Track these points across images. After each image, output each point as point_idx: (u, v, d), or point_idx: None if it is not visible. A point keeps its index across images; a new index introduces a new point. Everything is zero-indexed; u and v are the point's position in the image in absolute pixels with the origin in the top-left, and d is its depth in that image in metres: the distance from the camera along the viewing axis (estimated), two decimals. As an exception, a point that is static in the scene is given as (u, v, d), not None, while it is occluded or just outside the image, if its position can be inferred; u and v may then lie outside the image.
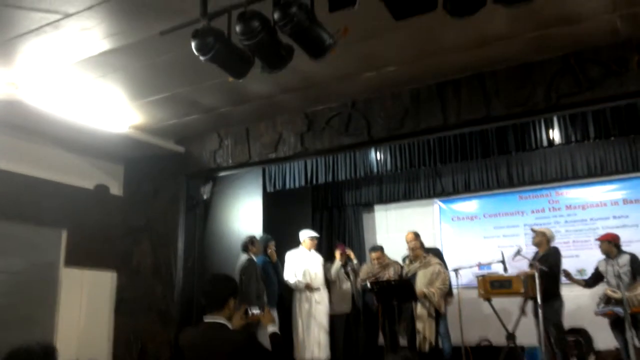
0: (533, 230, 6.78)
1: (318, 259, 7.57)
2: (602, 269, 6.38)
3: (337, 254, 7.73)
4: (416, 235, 7.10)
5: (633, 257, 6.20)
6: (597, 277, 6.42)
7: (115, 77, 5.18)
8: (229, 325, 3.14)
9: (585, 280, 6.59)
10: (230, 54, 3.68)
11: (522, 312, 6.36)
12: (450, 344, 6.99)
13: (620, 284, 5.98)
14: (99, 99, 5.67)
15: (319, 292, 7.34)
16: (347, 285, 7.59)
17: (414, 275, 6.69)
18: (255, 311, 3.59)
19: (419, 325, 6.51)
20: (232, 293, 3.21)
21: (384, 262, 7.35)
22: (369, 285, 6.95)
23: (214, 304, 3.14)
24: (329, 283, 7.59)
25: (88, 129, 6.11)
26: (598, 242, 6.46)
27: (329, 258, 7.95)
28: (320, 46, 3.51)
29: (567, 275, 6.43)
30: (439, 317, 6.62)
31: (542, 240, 6.59)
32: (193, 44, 3.55)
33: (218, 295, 3.16)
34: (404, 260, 7.29)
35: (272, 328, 3.39)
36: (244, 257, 6.80)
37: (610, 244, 6.31)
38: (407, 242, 7.02)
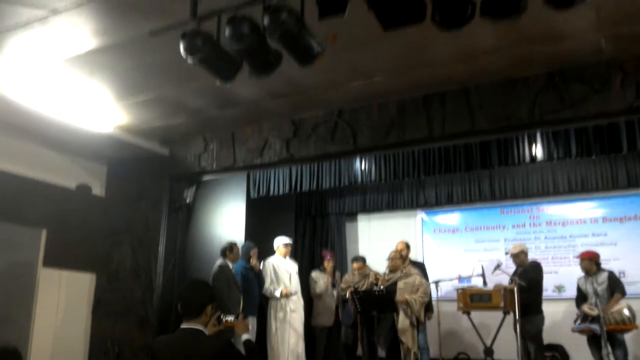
0: (509, 254, 6.80)
1: (293, 266, 7.54)
2: (582, 286, 6.44)
3: (326, 262, 7.73)
4: (407, 246, 7.17)
5: (611, 274, 6.28)
6: (583, 296, 6.45)
7: (102, 76, 5.15)
8: (206, 332, 3.12)
9: (576, 301, 6.56)
10: (218, 57, 3.68)
11: (500, 326, 6.40)
12: (429, 357, 7.01)
13: (598, 301, 6.05)
14: (85, 98, 5.63)
15: (294, 300, 7.30)
16: (332, 298, 7.59)
17: (394, 284, 6.69)
18: (229, 318, 3.57)
19: (403, 337, 6.51)
20: (209, 300, 3.17)
21: (365, 272, 7.36)
22: (347, 294, 6.95)
23: (191, 310, 3.10)
24: (311, 293, 7.58)
25: (72, 127, 6.06)
26: (578, 259, 6.52)
27: (310, 266, 7.94)
28: (309, 53, 3.53)
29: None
30: (418, 327, 6.63)
31: (522, 257, 6.64)
32: (182, 46, 3.55)
33: (195, 302, 3.12)
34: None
35: (246, 335, 3.37)
36: (218, 263, 6.75)
37: (591, 262, 6.37)
38: (398, 251, 7.05)
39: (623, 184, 7.42)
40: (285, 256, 7.49)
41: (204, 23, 3.58)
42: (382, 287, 6.71)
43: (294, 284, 7.37)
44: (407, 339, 6.47)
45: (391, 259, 6.91)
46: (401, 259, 6.97)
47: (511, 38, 4.51)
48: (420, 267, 7.33)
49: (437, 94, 5.56)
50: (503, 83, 5.26)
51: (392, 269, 6.87)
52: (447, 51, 4.74)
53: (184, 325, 3.10)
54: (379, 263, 7.52)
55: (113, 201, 7.38)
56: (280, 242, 7.52)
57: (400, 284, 6.65)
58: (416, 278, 6.74)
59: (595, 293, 6.16)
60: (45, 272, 6.61)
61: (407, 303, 6.49)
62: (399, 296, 6.51)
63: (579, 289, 6.50)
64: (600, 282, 6.23)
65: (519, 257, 6.64)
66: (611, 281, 6.20)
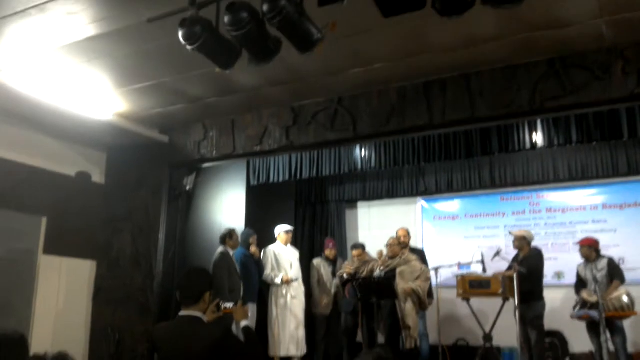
0: (512, 234, 6.83)
1: (294, 253, 7.57)
2: (581, 272, 6.46)
3: (328, 250, 7.74)
4: (408, 232, 7.20)
5: (611, 261, 6.29)
6: (582, 282, 6.47)
7: (100, 63, 5.13)
8: (205, 319, 3.13)
9: (575, 287, 6.58)
10: (217, 44, 3.66)
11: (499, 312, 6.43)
12: (428, 344, 7.05)
13: (597, 288, 6.07)
14: (84, 85, 5.61)
15: (295, 287, 7.34)
16: (333, 285, 7.61)
17: (393, 271, 6.70)
18: (228, 305, 3.58)
19: (409, 320, 6.52)
20: (208, 287, 3.19)
21: (365, 259, 7.38)
22: (345, 276, 6.97)
23: (190, 298, 3.12)
24: (317, 281, 7.61)
25: (71, 114, 6.04)
26: (578, 246, 6.53)
27: (310, 253, 7.95)
28: (309, 40, 3.51)
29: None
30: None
31: (523, 243, 6.64)
32: (180, 33, 3.52)
33: (193, 290, 3.13)
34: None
35: (245, 322, 3.38)
36: (219, 250, 6.79)
37: (591, 249, 6.39)
38: (397, 237, 7.08)
39: (623, 171, 7.41)
40: (286, 243, 7.51)
41: (202, 10, 3.56)
42: (382, 271, 6.72)
43: (295, 271, 7.41)
44: (414, 322, 6.49)
45: (390, 245, 6.92)
46: (399, 245, 6.98)
47: (512, 24, 4.48)
48: (420, 253, 7.35)
49: (438, 80, 5.54)
50: (504, 70, 5.24)
51: (391, 256, 6.89)
52: (448, 38, 4.71)
53: (182, 313, 3.12)
54: (379, 250, 7.53)
55: (113, 189, 7.38)
56: (282, 230, 7.54)
57: (399, 271, 6.66)
58: (416, 264, 6.75)
59: (595, 280, 6.17)
60: (45, 260, 6.62)
61: (413, 292, 6.51)
62: (401, 284, 6.52)
63: (578, 276, 6.52)
64: (600, 268, 6.24)
65: (519, 241, 6.63)
66: (611, 268, 6.21)
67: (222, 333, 3.00)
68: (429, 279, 6.74)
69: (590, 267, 6.33)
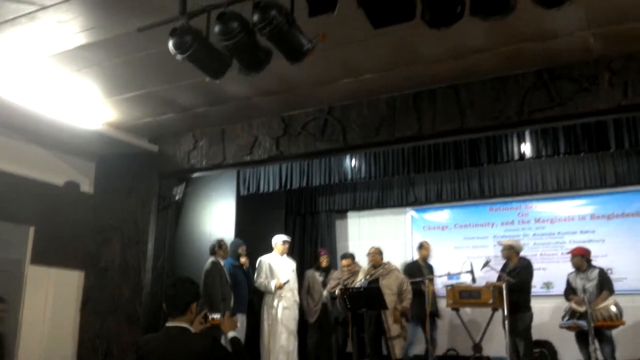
0: (500, 244, 6.85)
1: (290, 264, 7.54)
2: (572, 281, 6.47)
3: (323, 260, 7.73)
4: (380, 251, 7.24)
5: (602, 272, 6.31)
6: (572, 290, 6.48)
7: (90, 72, 5.12)
8: (192, 330, 3.11)
9: (565, 293, 6.57)
10: (207, 54, 3.67)
11: (489, 323, 6.44)
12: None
13: (586, 297, 6.08)
14: (73, 94, 5.59)
15: (287, 298, 7.29)
16: (323, 296, 7.60)
17: (376, 281, 6.78)
18: (216, 316, 3.55)
19: (396, 343, 6.63)
20: (194, 297, 3.16)
21: (354, 269, 7.38)
22: (337, 292, 6.99)
23: (176, 309, 3.09)
24: (307, 291, 7.59)
25: (60, 123, 6.02)
26: (569, 255, 6.54)
27: (300, 263, 7.93)
28: (299, 50, 3.52)
29: None
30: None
31: (511, 252, 6.65)
32: (170, 42, 3.53)
33: (180, 300, 3.10)
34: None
35: (232, 333, 3.36)
36: (209, 260, 6.77)
37: (582, 258, 6.40)
38: (376, 248, 7.15)
39: (611, 182, 7.48)
40: (282, 254, 7.47)
41: (193, 19, 3.57)
42: (366, 281, 6.78)
43: (291, 281, 7.36)
44: (398, 346, 6.58)
45: (371, 254, 7.03)
46: (380, 254, 7.07)
47: (501, 36, 4.53)
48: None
49: (427, 91, 5.58)
50: (493, 81, 5.29)
51: (374, 265, 6.94)
52: (437, 49, 4.75)
53: (169, 324, 3.08)
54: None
55: (102, 198, 7.33)
56: (279, 240, 7.51)
57: (383, 282, 6.72)
58: (398, 274, 6.94)
59: (584, 290, 6.20)
60: (33, 270, 6.56)
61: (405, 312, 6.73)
62: (388, 295, 6.56)
63: (568, 283, 6.52)
64: (591, 278, 6.26)
65: (507, 251, 6.65)
66: (601, 278, 6.23)
67: (209, 344, 2.98)
68: (410, 290, 6.85)
69: (581, 277, 6.36)
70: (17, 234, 6.47)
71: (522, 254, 6.71)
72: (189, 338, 3.03)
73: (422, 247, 7.77)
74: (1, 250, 6.30)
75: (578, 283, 6.35)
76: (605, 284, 6.20)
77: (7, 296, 6.19)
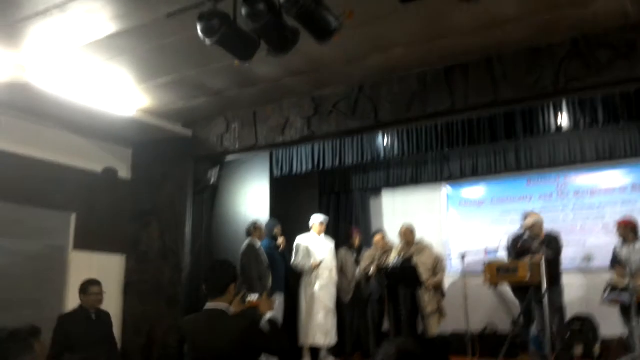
0: (527, 227, 6.63)
1: (328, 243, 7.58)
2: (618, 252, 6.34)
3: (356, 238, 7.76)
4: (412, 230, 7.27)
5: None
6: (618, 262, 6.34)
7: (122, 60, 5.19)
8: (230, 311, 3.18)
9: (610, 264, 6.43)
10: (236, 37, 3.68)
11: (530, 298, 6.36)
12: None
13: (629, 270, 5.96)
14: (107, 82, 5.69)
15: (325, 277, 7.35)
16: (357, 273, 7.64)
17: (409, 259, 6.83)
18: (253, 297, 3.62)
19: (431, 320, 6.74)
20: (232, 279, 3.24)
21: (386, 247, 7.39)
22: (371, 271, 7.03)
23: (215, 290, 3.18)
24: (340, 270, 7.64)
25: (96, 112, 6.13)
26: (611, 228, 6.43)
27: (335, 242, 7.97)
28: (326, 29, 3.50)
29: None
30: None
31: (539, 229, 6.54)
32: (199, 27, 3.55)
33: (218, 282, 3.19)
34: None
35: (270, 314, 3.42)
36: (245, 242, 6.90)
37: (627, 229, 6.29)
38: (407, 227, 7.19)
39: (652, 151, 7.25)
40: (320, 233, 7.55)
41: (220, 3, 3.57)
42: (400, 259, 6.81)
43: (328, 260, 7.41)
44: (434, 323, 6.61)
45: (403, 233, 7.08)
46: (412, 233, 7.10)
47: (533, 4, 4.41)
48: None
49: (459, 65, 5.47)
50: (526, 51, 5.15)
51: (407, 243, 7.00)
52: (468, 21, 4.64)
53: (209, 305, 3.16)
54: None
55: (139, 184, 7.47)
56: (317, 220, 7.59)
57: (417, 259, 6.74)
58: (430, 252, 6.99)
59: (629, 261, 6.08)
60: (76, 256, 6.75)
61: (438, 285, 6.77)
62: (424, 273, 6.59)
63: (614, 254, 6.40)
64: (637, 250, 6.15)
65: (538, 227, 6.54)
66: None
67: (247, 325, 3.04)
68: (445, 267, 6.98)
69: (627, 248, 6.24)
70: (60, 221, 6.66)
71: (561, 227, 6.60)
72: (228, 319, 3.11)
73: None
74: (45, 238, 6.49)
75: (624, 254, 6.22)
76: None
77: (52, 282, 6.45)
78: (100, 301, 5.11)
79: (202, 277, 3.37)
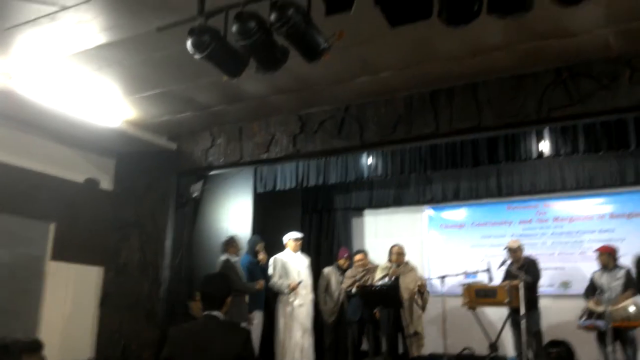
0: (510, 249, 6.77)
1: (303, 260, 7.56)
2: (597, 280, 6.41)
3: (342, 260, 7.72)
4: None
5: (628, 271, 6.26)
6: (593, 289, 6.43)
7: (110, 71, 5.18)
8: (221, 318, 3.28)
9: (585, 292, 6.54)
10: (225, 53, 3.70)
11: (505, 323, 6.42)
12: None
13: (605, 297, 6.03)
14: (93, 93, 5.67)
15: (302, 295, 7.32)
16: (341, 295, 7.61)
17: (397, 278, 6.81)
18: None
19: (420, 328, 6.72)
20: (229, 292, 3.36)
21: (368, 266, 7.39)
22: (353, 291, 7.01)
23: (214, 303, 3.27)
24: (325, 290, 7.60)
25: (80, 121, 6.10)
26: (589, 255, 6.51)
27: (317, 261, 7.95)
28: (315, 49, 3.54)
29: None
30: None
31: (520, 254, 6.68)
32: (189, 42, 3.57)
33: (217, 296, 3.29)
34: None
35: (243, 324, 3.51)
36: (220, 258, 6.83)
37: (610, 256, 6.37)
38: (399, 246, 7.19)
39: (631, 180, 7.35)
40: (295, 251, 7.51)
41: (211, 19, 3.60)
42: (390, 280, 6.80)
43: (304, 279, 7.38)
44: (416, 344, 6.68)
45: (396, 253, 7.04)
46: (403, 254, 7.10)
47: (519, 34, 4.50)
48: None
49: (445, 89, 5.56)
50: (511, 79, 5.25)
51: (398, 264, 6.96)
52: (455, 47, 4.73)
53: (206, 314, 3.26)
54: (385, 259, 7.53)
55: (121, 195, 7.42)
56: (291, 237, 7.55)
57: (402, 279, 6.77)
58: (415, 274, 7.01)
59: (609, 288, 6.16)
60: (53, 266, 6.66)
61: (422, 286, 6.81)
62: (405, 288, 6.57)
63: (592, 282, 6.47)
64: (617, 277, 6.22)
65: (519, 251, 6.67)
66: (628, 277, 6.18)
67: (244, 339, 3.15)
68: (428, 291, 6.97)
69: (607, 275, 6.31)
70: (38, 230, 6.57)
71: (540, 253, 6.68)
72: (225, 330, 3.22)
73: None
74: (22, 247, 6.40)
75: (604, 281, 6.29)
76: (631, 284, 6.14)
77: (28, 292, 6.34)
78: None
79: (200, 292, 3.42)
